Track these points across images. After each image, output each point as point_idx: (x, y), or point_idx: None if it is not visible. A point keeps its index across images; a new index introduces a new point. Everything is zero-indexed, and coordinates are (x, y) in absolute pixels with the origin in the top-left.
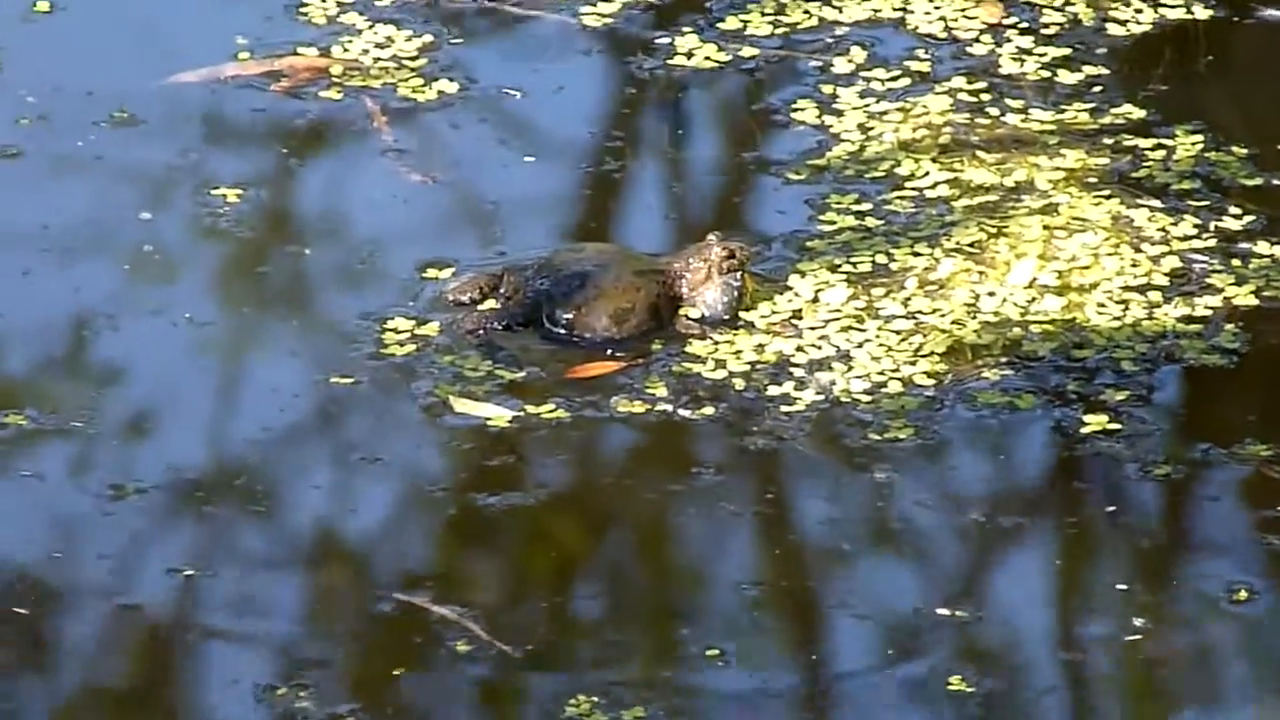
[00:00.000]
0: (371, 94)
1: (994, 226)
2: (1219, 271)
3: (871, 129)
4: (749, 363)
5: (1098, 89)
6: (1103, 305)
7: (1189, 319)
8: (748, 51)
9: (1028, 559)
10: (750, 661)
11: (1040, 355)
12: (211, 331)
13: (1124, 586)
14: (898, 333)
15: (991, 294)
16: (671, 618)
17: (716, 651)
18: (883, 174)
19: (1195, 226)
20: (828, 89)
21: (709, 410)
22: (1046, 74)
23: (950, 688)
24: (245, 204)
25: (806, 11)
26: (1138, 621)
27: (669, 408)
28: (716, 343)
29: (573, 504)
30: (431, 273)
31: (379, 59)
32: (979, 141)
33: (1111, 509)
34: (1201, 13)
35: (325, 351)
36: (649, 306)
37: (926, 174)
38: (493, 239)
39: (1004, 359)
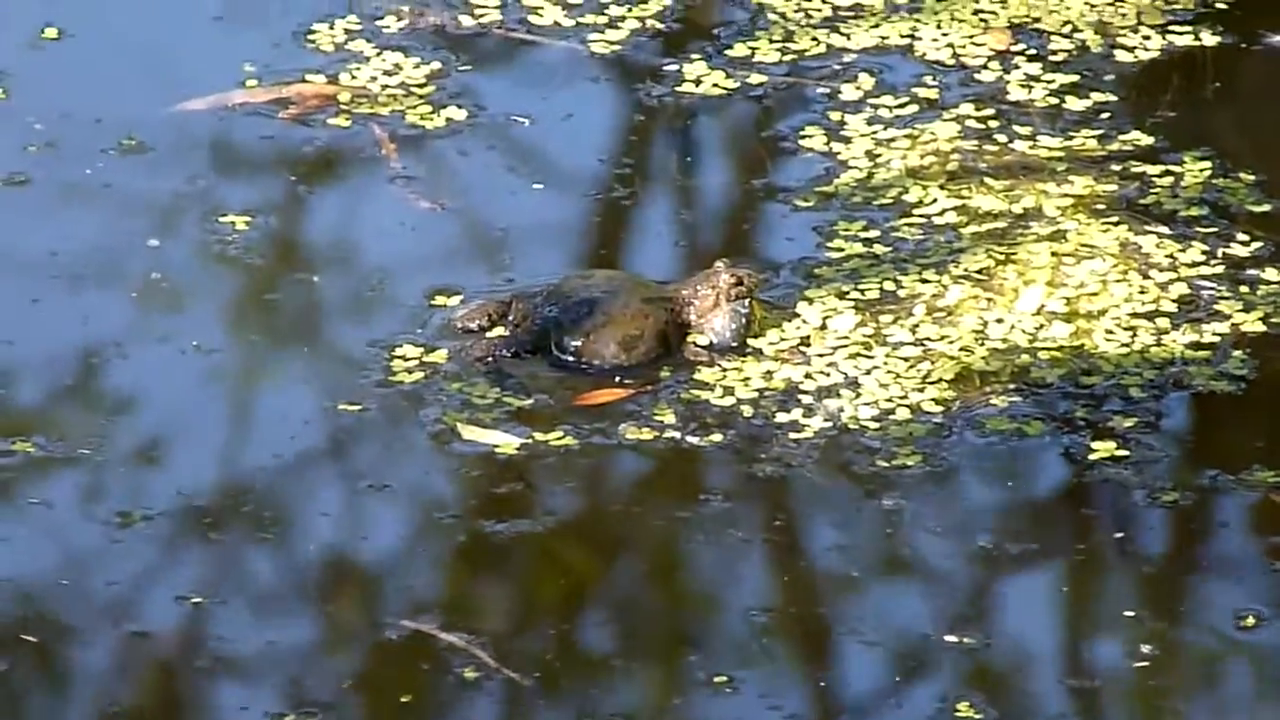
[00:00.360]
0: (380, 121)
1: (1002, 253)
2: (1227, 298)
3: (879, 156)
4: (757, 390)
5: (1106, 115)
6: (1111, 332)
7: (1197, 345)
8: (756, 78)
9: (1036, 586)
10: (759, 688)
11: (1048, 382)
12: (220, 359)
13: (1132, 613)
14: (906, 360)
15: (999, 321)
16: (680, 645)
17: (725, 679)
18: (891, 201)
19: (1203, 253)
20: (836, 116)
21: (717, 437)
22: (1054, 100)
23: (958, 714)
24: (254, 231)
25: (814, 38)
26: (1146, 648)
27: (677, 435)
28: (725, 370)
29: (581, 531)
30: (440, 300)
31: (387, 86)
32: (987, 168)
33: (1119, 535)
34: (1209, 39)
35: (333, 379)
36: (657, 333)
37: (934, 201)
38: (501, 266)
39: (1012, 386)
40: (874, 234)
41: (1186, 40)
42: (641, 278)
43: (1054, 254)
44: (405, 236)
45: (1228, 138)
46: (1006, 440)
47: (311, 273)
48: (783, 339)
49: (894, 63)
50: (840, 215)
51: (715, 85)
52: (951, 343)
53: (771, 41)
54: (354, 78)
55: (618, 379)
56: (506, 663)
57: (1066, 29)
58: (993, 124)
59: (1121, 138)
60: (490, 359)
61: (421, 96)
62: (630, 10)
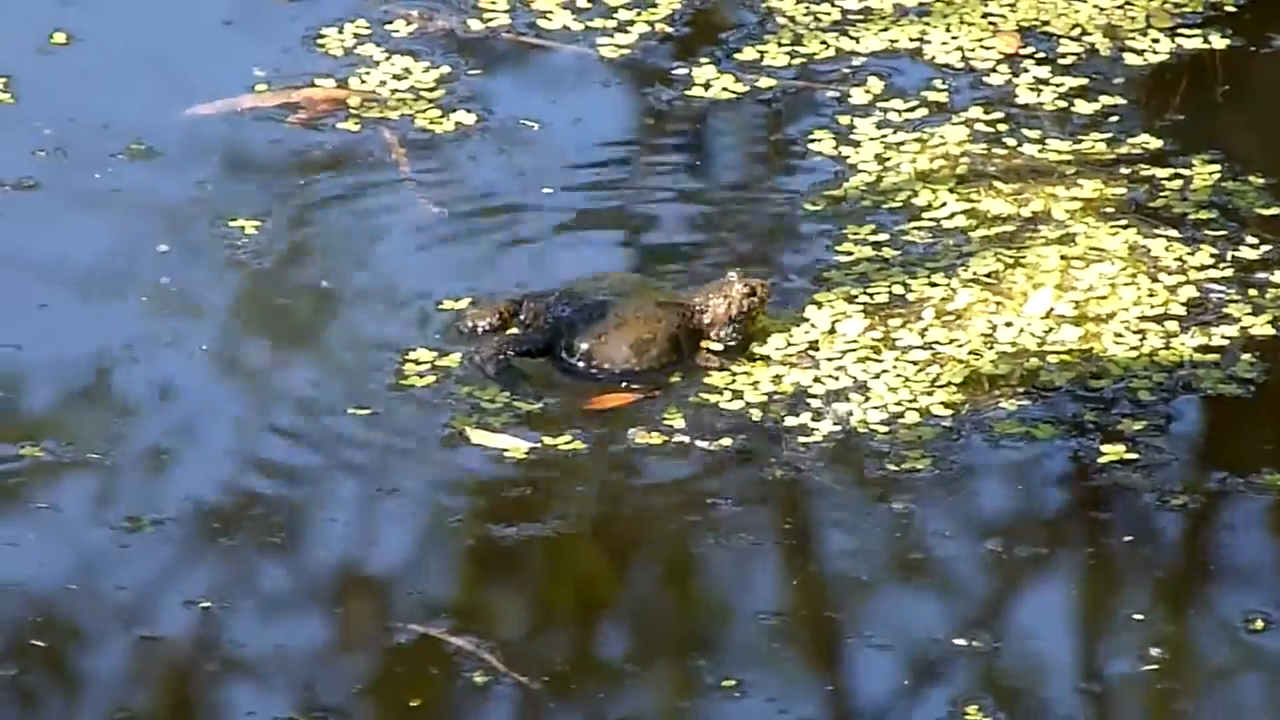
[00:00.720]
0: (389, 125)
1: (1011, 257)
2: (1236, 301)
3: (888, 160)
4: (766, 394)
5: (1114, 119)
6: (1120, 335)
7: (1206, 349)
8: (765, 82)
9: (1045, 589)
10: (768, 692)
11: (1057, 385)
12: (229, 363)
13: (1141, 616)
14: (915, 363)
15: (1009, 324)
16: (689, 648)
17: (734, 682)
18: (900, 204)
19: (1212, 256)
20: (845, 120)
21: (726, 441)
22: (1063, 104)
23: (968, 718)
24: (263, 236)
25: (824, 42)
26: (1155, 651)
27: (686, 439)
28: (734, 374)
29: (590, 535)
30: (449, 304)
31: (396, 90)
32: (996, 172)
33: (1129, 538)
34: (1218, 42)
35: (344, 382)
36: (670, 338)
37: (943, 204)
38: (511, 270)
39: (1021, 389)
40: (883, 238)
41: (1195, 43)
42: (653, 282)
43: (1063, 257)
44: (415, 240)
45: (1237, 141)
46: (1016, 443)
47: (321, 277)
48: (791, 343)
49: (903, 66)
50: (849, 219)
51: (724, 89)
52: (960, 346)
53: (780, 45)
54: (363, 82)
55: (626, 384)
56: (515, 667)
57: (1075, 32)
58: (1002, 127)
59: (1130, 141)
60: (500, 358)
61: (431, 101)
62: (639, 14)
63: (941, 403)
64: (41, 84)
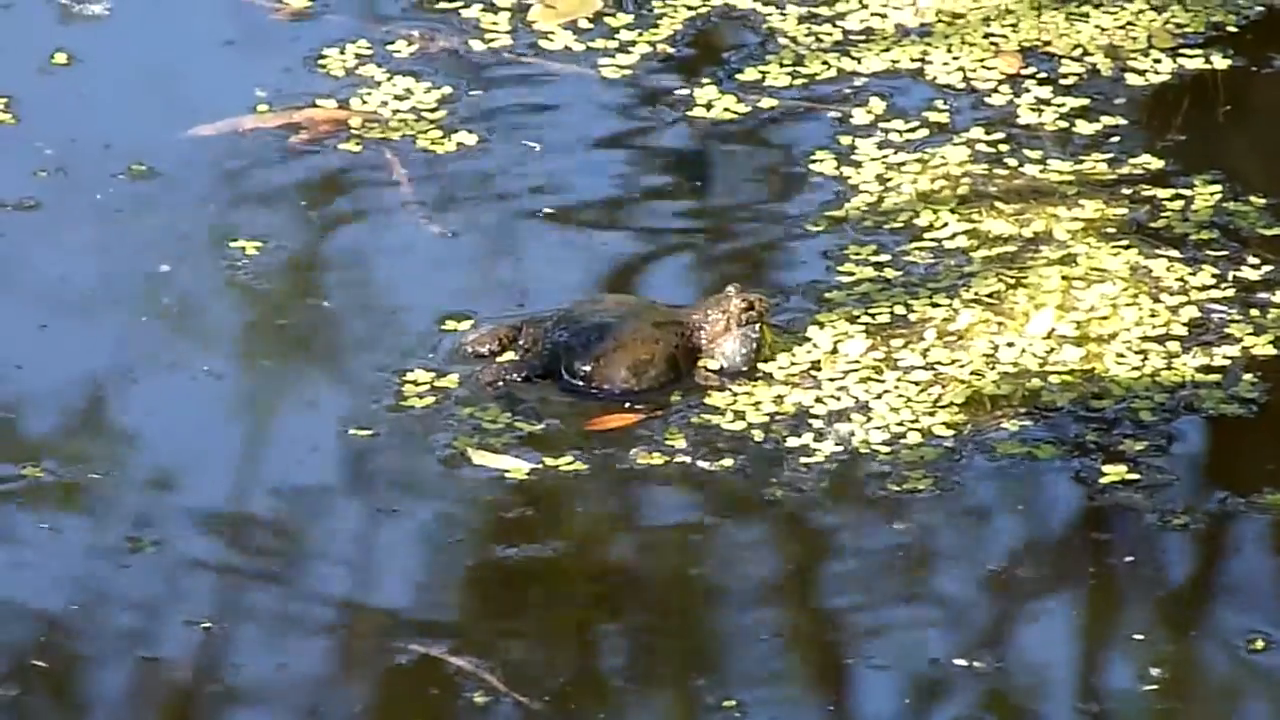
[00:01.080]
0: (391, 146)
1: (1012, 277)
2: (1237, 321)
3: (890, 180)
4: (768, 414)
5: (1116, 139)
6: (1121, 355)
7: (1207, 369)
8: (766, 103)
9: (1047, 609)
10: (768, 713)
11: (1059, 406)
12: (230, 384)
13: (1142, 636)
14: (916, 384)
15: (1010, 345)
16: (689, 668)
17: (734, 703)
18: (901, 225)
19: (1214, 276)
20: (846, 140)
21: (728, 462)
22: (1065, 124)
23: None
24: (264, 256)
25: (825, 63)
26: (1156, 671)
27: (688, 459)
28: (735, 394)
29: (591, 556)
30: (451, 325)
31: (398, 111)
32: (997, 192)
33: (1130, 559)
34: (1220, 62)
35: (345, 404)
36: (668, 358)
37: (945, 225)
38: (512, 292)
39: (1023, 410)
40: (885, 258)
41: (1197, 64)
42: (652, 302)
43: (1064, 278)
44: (416, 261)
45: (1238, 161)
46: (1017, 464)
47: (322, 298)
48: (793, 363)
49: (904, 87)
50: (851, 239)
51: (726, 109)
52: (962, 367)
53: (782, 66)
54: (365, 102)
55: (627, 404)
56: (516, 687)
57: (1077, 52)
58: (1003, 148)
59: (1132, 161)
60: (500, 383)
61: (432, 121)
62: (641, 35)
63: (943, 423)
64: (43, 104)
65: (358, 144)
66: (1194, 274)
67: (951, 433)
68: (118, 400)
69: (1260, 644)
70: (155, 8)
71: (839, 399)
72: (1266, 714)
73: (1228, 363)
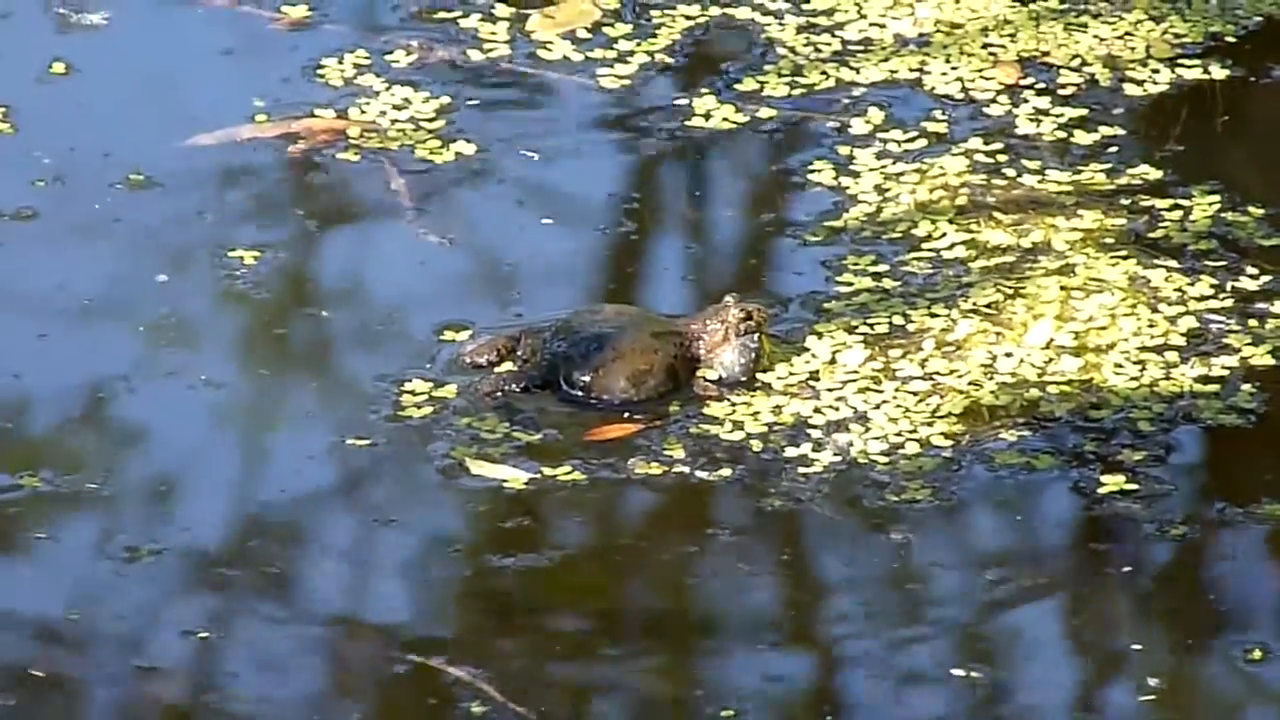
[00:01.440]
0: (389, 156)
1: (1011, 287)
2: (1236, 332)
3: (888, 190)
4: (766, 424)
5: (1114, 149)
6: (1120, 366)
7: (1206, 379)
8: (765, 113)
9: (1044, 619)
10: None
11: (1057, 416)
12: (228, 394)
13: (1139, 646)
14: (915, 394)
15: (1009, 355)
16: (686, 679)
17: (731, 712)
18: (900, 235)
19: (1212, 287)
20: (845, 150)
21: (726, 472)
22: (1063, 135)
23: None
24: (262, 266)
25: (824, 73)
26: (1153, 681)
27: (686, 469)
28: (734, 404)
29: (589, 566)
30: (449, 335)
31: (396, 121)
32: (996, 202)
33: (1128, 569)
34: (1218, 73)
35: (342, 413)
36: (666, 368)
37: (943, 235)
38: (510, 301)
39: (1021, 420)
40: (883, 268)
41: (1195, 74)
42: (651, 312)
43: (1063, 288)
44: (414, 271)
45: (1237, 172)
46: (1015, 474)
47: (320, 307)
48: (792, 373)
49: (903, 97)
50: (849, 250)
51: (724, 120)
52: (960, 377)
53: (780, 76)
54: (363, 112)
55: (626, 414)
56: (513, 697)
57: (1075, 63)
58: (1002, 158)
59: (1130, 172)
60: (499, 394)
61: (431, 131)
62: (639, 45)
63: (941, 433)
64: (41, 114)
65: (356, 154)
66: (1192, 284)
67: (950, 443)
68: (116, 409)
69: (1258, 654)
70: (153, 17)
71: (837, 409)
72: None
73: (1226, 373)
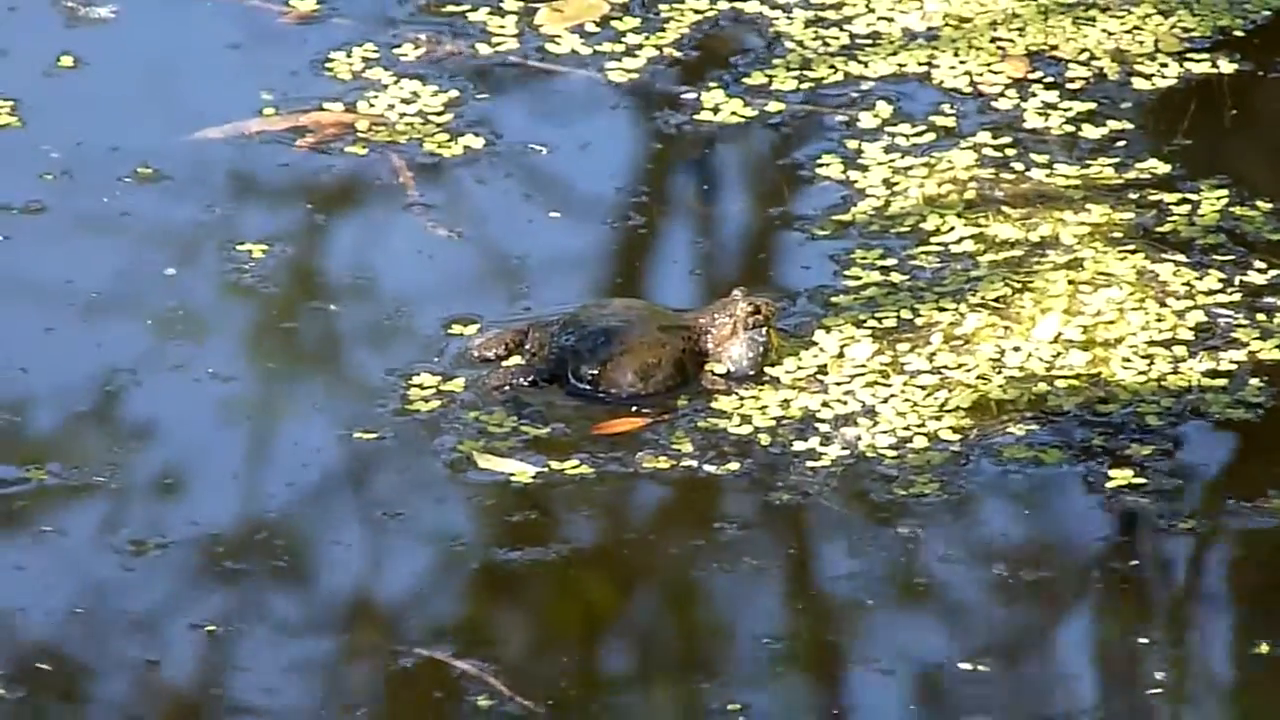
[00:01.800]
0: (397, 149)
1: (1019, 281)
2: (1244, 326)
3: (897, 184)
4: (774, 418)
5: (1123, 143)
6: (1128, 360)
7: (1214, 373)
8: (774, 106)
9: (1052, 613)
10: (772, 716)
11: (1065, 410)
12: (236, 387)
13: (1147, 640)
14: (923, 388)
15: (1017, 349)
16: (694, 672)
17: (738, 706)
18: (908, 229)
19: (1220, 281)
20: (853, 144)
21: (734, 465)
22: (1071, 129)
23: None
24: (270, 260)
25: (832, 66)
26: (1161, 675)
27: (694, 463)
28: (742, 398)
29: (596, 559)
30: (457, 328)
31: (404, 114)
32: (1004, 196)
33: (1136, 563)
34: (1227, 67)
35: (350, 407)
36: (674, 362)
37: (951, 229)
38: (518, 295)
39: (1029, 414)
40: (891, 262)
41: (1204, 68)
42: (659, 306)
43: (1071, 282)
44: (422, 265)
45: (1245, 166)
46: (1023, 468)
47: (328, 301)
48: (800, 367)
49: (911, 91)
50: (857, 244)
51: (733, 113)
52: (969, 371)
53: (789, 69)
54: (371, 106)
55: (634, 408)
56: (520, 690)
57: (1084, 57)
58: (1010, 152)
59: (1138, 166)
60: (507, 388)
61: (439, 125)
62: (648, 39)
63: (949, 427)
64: (49, 107)
65: (364, 147)
66: (1200, 278)
67: (958, 437)
68: (123, 403)
69: (1265, 648)
70: (161, 11)
71: (845, 403)
72: (1272, 718)
73: (1234, 367)
